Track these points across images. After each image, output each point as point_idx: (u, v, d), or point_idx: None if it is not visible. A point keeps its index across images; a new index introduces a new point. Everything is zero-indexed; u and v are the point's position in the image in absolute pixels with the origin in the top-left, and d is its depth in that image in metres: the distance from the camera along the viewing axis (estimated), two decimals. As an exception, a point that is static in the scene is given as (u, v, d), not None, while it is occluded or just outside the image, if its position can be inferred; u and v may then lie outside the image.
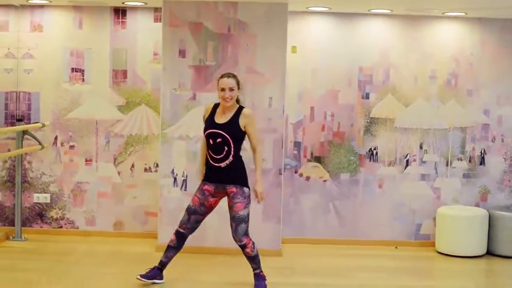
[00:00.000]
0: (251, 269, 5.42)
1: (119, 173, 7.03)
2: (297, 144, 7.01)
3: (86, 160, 7.03)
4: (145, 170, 7.02)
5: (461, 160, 7.07)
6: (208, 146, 5.26)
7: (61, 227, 7.06)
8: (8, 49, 6.96)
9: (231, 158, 5.21)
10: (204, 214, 5.38)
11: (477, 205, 7.07)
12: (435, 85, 7.02)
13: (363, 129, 7.03)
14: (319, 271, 6.12)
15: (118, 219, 7.07)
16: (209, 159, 5.27)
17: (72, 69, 6.97)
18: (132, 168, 7.03)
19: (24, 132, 6.66)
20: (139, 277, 5.38)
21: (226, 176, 5.25)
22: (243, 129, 5.25)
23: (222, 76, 5.28)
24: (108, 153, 7.02)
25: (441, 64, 7.01)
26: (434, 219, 7.00)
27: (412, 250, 6.93)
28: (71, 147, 7.02)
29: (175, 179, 6.51)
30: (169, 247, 5.43)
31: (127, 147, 7.02)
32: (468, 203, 7.07)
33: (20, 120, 6.83)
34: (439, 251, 6.84)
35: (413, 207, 7.08)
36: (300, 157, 7.03)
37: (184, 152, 6.49)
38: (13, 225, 6.88)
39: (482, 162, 7.08)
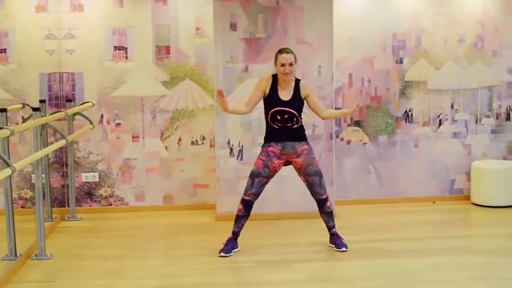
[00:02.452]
0: (327, 231, 5.68)
1: (166, 147, 7.14)
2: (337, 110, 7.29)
3: (133, 137, 7.10)
4: (192, 143, 7.15)
5: (489, 117, 7.51)
6: (275, 120, 5.43)
7: (111, 204, 7.13)
8: (49, 30, 6.87)
9: (296, 124, 5.47)
10: (267, 177, 5.47)
11: (504, 158, 7.54)
12: (463, 47, 7.40)
13: (398, 92, 7.37)
14: (374, 228, 6.40)
15: (167, 193, 7.19)
16: (275, 125, 5.45)
17: (115, 47, 6.98)
18: (179, 142, 7.15)
19: (75, 112, 6.69)
20: (222, 253, 5.41)
21: (296, 134, 5.48)
22: (303, 100, 5.50)
23: (280, 52, 5.41)
24: (154, 128, 7.10)
25: (468, 28, 7.39)
26: (467, 173, 7.46)
27: (449, 204, 7.35)
28: (117, 124, 7.07)
29: (231, 149, 6.69)
30: (238, 217, 5.53)
31: (173, 122, 7.12)
32: (496, 157, 7.53)
33: (69, 100, 6.80)
34: (475, 202, 7.30)
35: (446, 164, 7.49)
36: (341, 122, 7.33)
37: (239, 123, 6.65)
38: (62, 206, 6.94)
39: (508, 118, 7.54)
